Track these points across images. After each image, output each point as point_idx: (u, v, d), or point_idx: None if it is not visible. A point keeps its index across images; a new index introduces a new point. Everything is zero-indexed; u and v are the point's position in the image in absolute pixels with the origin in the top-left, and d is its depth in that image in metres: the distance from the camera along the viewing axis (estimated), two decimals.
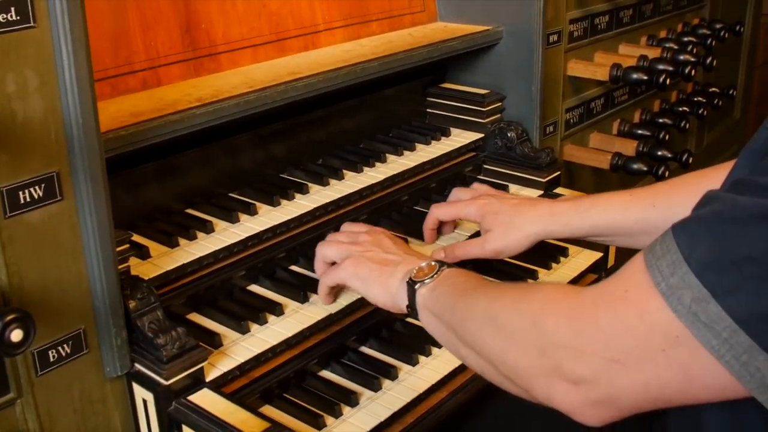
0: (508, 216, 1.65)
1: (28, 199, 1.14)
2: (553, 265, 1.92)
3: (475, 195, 1.79)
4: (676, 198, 1.49)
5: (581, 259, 1.95)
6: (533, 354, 1.05)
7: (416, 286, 1.35)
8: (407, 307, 1.39)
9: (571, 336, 1.01)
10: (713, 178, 1.46)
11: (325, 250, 1.59)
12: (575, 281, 1.89)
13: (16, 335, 1.01)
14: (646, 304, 0.94)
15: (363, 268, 1.49)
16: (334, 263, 1.57)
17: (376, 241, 1.56)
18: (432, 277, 1.35)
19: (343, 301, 1.57)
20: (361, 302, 1.58)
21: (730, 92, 2.99)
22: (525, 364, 1.07)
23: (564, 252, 1.95)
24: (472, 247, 1.68)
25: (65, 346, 1.22)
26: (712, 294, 0.88)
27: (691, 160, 2.41)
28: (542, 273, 1.89)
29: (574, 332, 1.00)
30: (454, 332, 1.25)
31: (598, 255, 1.95)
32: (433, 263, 1.38)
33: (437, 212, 1.77)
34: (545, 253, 1.94)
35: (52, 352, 1.21)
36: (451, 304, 1.27)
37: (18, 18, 1.09)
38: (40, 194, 1.15)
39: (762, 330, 0.86)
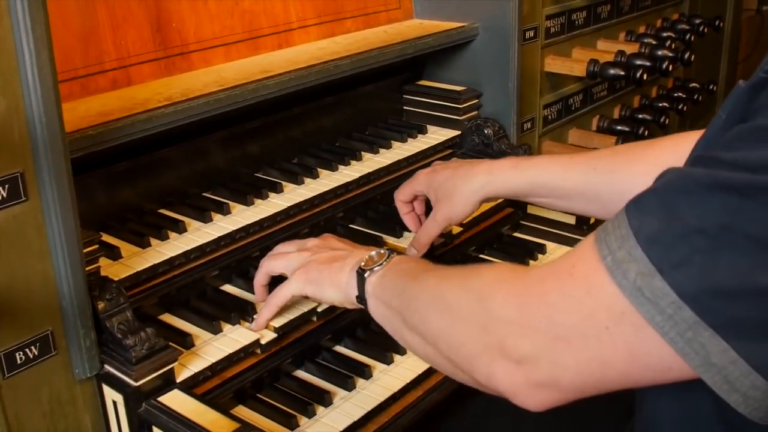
0: (450, 182, 1.65)
1: None
2: (531, 262, 1.91)
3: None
4: (618, 163, 1.49)
5: (558, 255, 1.94)
6: (477, 331, 1.03)
7: (366, 275, 1.32)
8: (357, 297, 1.35)
9: (517, 312, 0.99)
10: (656, 148, 1.47)
11: (272, 264, 1.51)
12: None
13: None
14: (591, 279, 0.92)
15: (313, 271, 1.43)
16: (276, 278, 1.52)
17: (322, 242, 1.52)
18: (381, 264, 1.32)
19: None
20: None
21: (711, 87, 2.99)
22: (468, 342, 1.05)
23: (542, 249, 1.94)
24: (428, 226, 1.68)
25: (33, 347, 1.21)
26: (657, 269, 0.86)
27: None
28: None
29: (520, 307, 0.99)
30: (400, 316, 1.22)
31: None
32: (382, 251, 1.35)
33: (397, 195, 1.77)
34: (523, 249, 1.94)
35: (20, 354, 1.20)
36: (400, 287, 1.25)
37: None
38: (4, 195, 1.14)
39: (708, 306, 0.84)
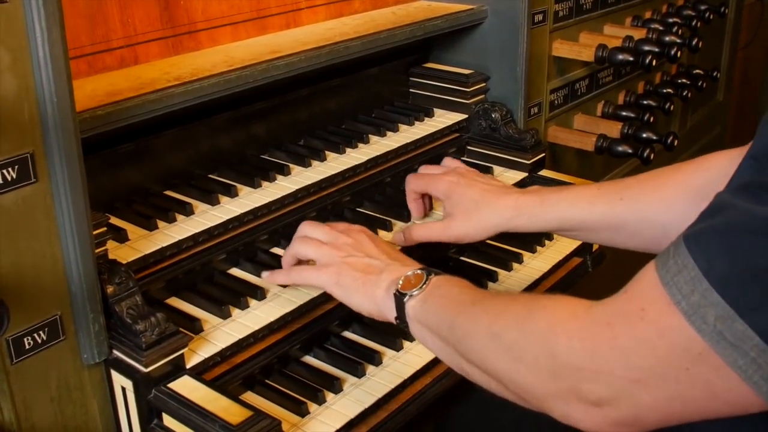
0: (473, 203, 1.60)
1: (0, 181, 1.10)
2: (538, 248, 1.90)
3: (445, 171, 1.74)
4: (645, 191, 1.46)
5: (566, 242, 1.93)
6: (545, 377, 1.02)
7: (405, 299, 1.30)
8: (396, 318, 1.33)
9: (587, 357, 0.97)
10: (683, 172, 1.44)
11: (302, 249, 1.49)
12: (560, 264, 1.88)
13: None
14: (666, 322, 0.91)
15: (345, 277, 1.41)
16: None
17: (357, 244, 1.47)
18: (421, 288, 1.30)
19: None
20: None
21: (714, 74, 2.98)
22: (538, 386, 1.04)
23: (549, 235, 1.93)
24: (433, 230, 1.64)
25: (41, 332, 1.19)
26: (737, 311, 0.85)
27: (676, 142, 2.40)
28: (527, 256, 1.87)
29: (590, 353, 0.97)
30: (454, 348, 1.21)
31: None
32: (419, 271, 1.33)
33: (410, 184, 1.74)
34: (530, 235, 1.92)
35: (28, 339, 1.17)
36: (449, 320, 1.22)
37: None
38: (14, 176, 1.11)
39: None
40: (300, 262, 1.51)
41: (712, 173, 1.36)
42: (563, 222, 1.55)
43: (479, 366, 1.16)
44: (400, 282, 1.33)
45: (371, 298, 1.38)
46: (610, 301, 1.00)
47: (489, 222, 1.59)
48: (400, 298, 1.31)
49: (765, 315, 0.84)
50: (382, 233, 1.70)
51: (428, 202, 1.78)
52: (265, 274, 1.50)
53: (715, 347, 0.87)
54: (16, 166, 1.11)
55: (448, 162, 1.82)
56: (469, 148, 2.10)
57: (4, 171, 1.10)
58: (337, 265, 1.43)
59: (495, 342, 1.11)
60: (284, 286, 1.51)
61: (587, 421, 1.00)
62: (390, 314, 1.35)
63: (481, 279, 1.74)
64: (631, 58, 2.16)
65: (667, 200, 1.42)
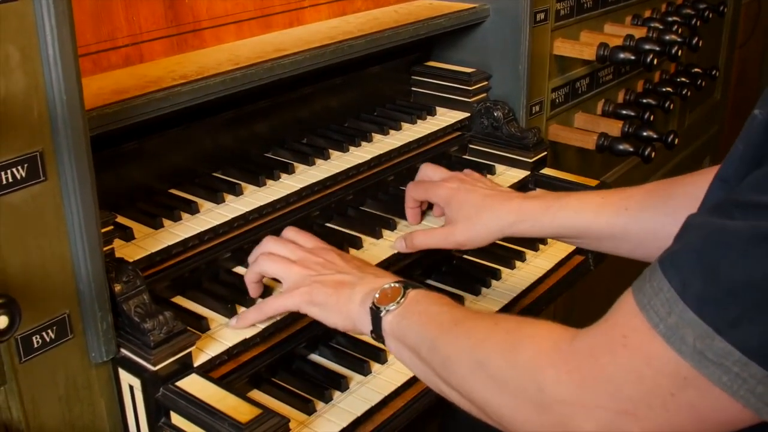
0: (474, 209, 1.59)
1: (10, 180, 1.09)
2: (541, 246, 1.91)
3: (444, 175, 1.73)
4: (650, 202, 1.45)
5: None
6: (530, 409, 1.01)
7: (381, 314, 1.27)
8: (371, 333, 1.30)
9: (574, 391, 0.96)
10: (686, 184, 1.44)
11: (270, 267, 1.43)
12: (562, 263, 1.88)
13: (1, 322, 0.98)
14: (648, 349, 0.90)
15: (318, 295, 1.37)
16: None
17: (327, 263, 1.43)
18: (398, 302, 1.26)
19: None
20: None
21: (713, 73, 2.99)
22: (520, 418, 1.03)
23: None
24: (435, 237, 1.63)
25: (49, 331, 1.19)
26: (715, 330, 0.85)
27: (677, 141, 2.40)
28: (530, 254, 1.87)
29: (577, 386, 0.96)
30: (433, 370, 1.19)
31: None
32: (395, 285, 1.29)
33: (410, 192, 1.72)
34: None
35: (36, 338, 1.17)
36: (429, 340, 1.19)
37: None
38: (23, 174, 1.11)
39: None
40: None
41: None
42: (566, 229, 1.54)
43: (460, 391, 1.14)
44: (376, 295, 1.29)
45: (345, 314, 1.34)
46: (592, 331, 0.99)
47: (491, 227, 1.58)
48: (376, 313, 1.28)
49: (743, 330, 0.83)
50: (385, 232, 1.71)
51: (439, 211, 1.76)
52: (232, 321, 1.40)
53: (697, 367, 0.86)
54: (26, 165, 1.11)
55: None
56: (471, 146, 2.10)
57: (14, 169, 1.10)
58: (308, 285, 1.39)
59: (478, 370, 1.09)
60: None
61: None
62: (365, 328, 1.31)
63: (484, 277, 1.75)
64: (633, 57, 2.16)
65: (672, 212, 1.41)
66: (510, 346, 1.07)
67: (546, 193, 1.65)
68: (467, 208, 1.60)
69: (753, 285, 0.83)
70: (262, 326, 1.41)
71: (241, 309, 1.45)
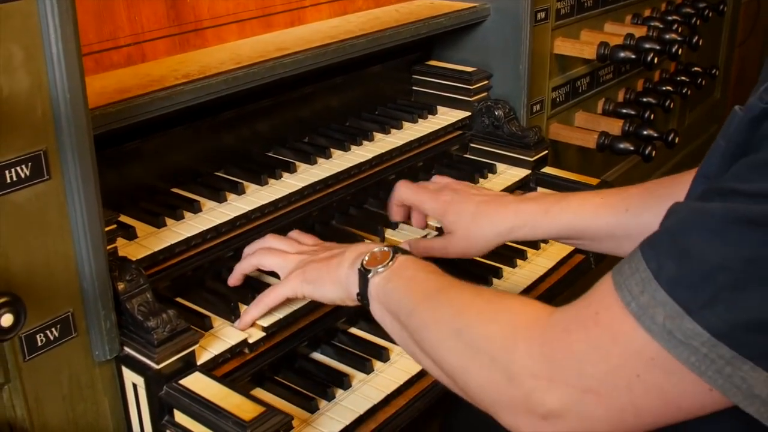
0: (470, 217, 1.56)
1: (14, 179, 1.10)
2: (542, 245, 1.91)
3: (437, 188, 1.68)
4: (650, 201, 1.45)
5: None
6: (500, 380, 1.00)
7: (369, 275, 1.26)
8: (357, 295, 1.30)
9: (544, 365, 0.96)
10: (686, 182, 1.43)
11: (265, 260, 1.46)
12: (563, 261, 1.88)
13: (7, 320, 0.98)
14: (618, 327, 0.90)
15: (310, 272, 1.38)
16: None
17: (319, 247, 1.46)
18: (386, 265, 1.26)
19: None
20: None
21: (713, 72, 2.99)
22: (488, 389, 1.03)
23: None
24: (434, 249, 1.61)
25: (53, 329, 1.19)
26: (685, 310, 0.85)
27: (677, 139, 2.41)
28: (531, 253, 1.87)
29: (547, 360, 0.96)
30: (410, 335, 1.19)
31: None
32: (386, 249, 1.30)
33: (399, 191, 1.67)
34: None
35: (40, 336, 1.17)
36: (409, 306, 1.19)
37: None
38: (27, 173, 1.11)
39: (743, 340, 0.83)
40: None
41: None
42: (566, 231, 1.53)
43: (433, 357, 1.14)
44: (366, 258, 1.29)
45: (336, 280, 1.34)
46: (570, 308, 0.99)
47: (489, 235, 1.55)
48: (364, 274, 1.27)
49: (713, 312, 0.83)
50: (387, 231, 1.71)
51: (421, 221, 1.73)
52: (238, 324, 1.41)
53: (666, 347, 0.86)
54: (30, 164, 1.11)
55: (437, 178, 1.76)
56: (472, 145, 2.11)
57: (18, 168, 1.10)
58: (302, 266, 1.40)
59: (454, 337, 1.09)
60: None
61: None
62: (353, 289, 1.31)
63: (486, 276, 1.75)
64: (633, 56, 2.17)
65: None
66: (488, 317, 1.08)
67: (542, 195, 1.63)
68: (464, 218, 1.57)
69: (726, 267, 0.83)
70: (266, 323, 1.42)
71: (244, 307, 1.45)
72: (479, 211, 1.56)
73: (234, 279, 1.49)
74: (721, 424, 0.96)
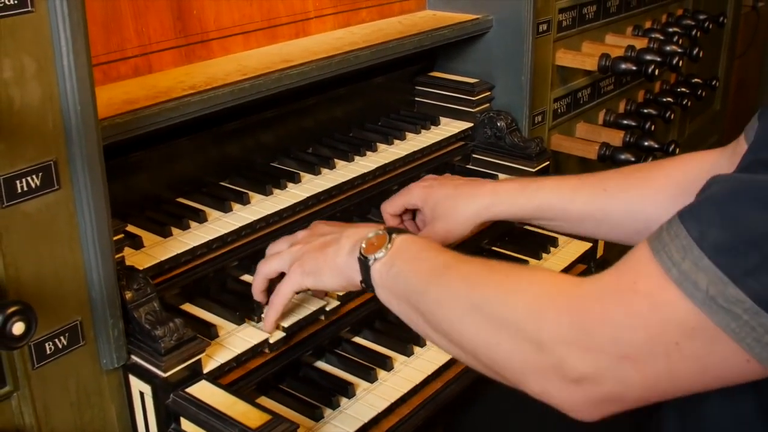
0: (450, 199, 1.57)
1: (25, 189, 1.11)
2: (543, 255, 1.92)
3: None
4: (629, 184, 1.45)
5: (571, 249, 1.96)
6: (527, 349, 1.00)
7: (369, 263, 1.26)
8: (361, 282, 1.29)
9: (576, 332, 0.95)
10: (667, 167, 1.44)
11: (267, 267, 1.46)
12: (565, 271, 1.90)
13: (18, 328, 0.99)
14: (658, 295, 0.90)
15: (309, 263, 1.38)
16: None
17: (312, 231, 1.46)
18: (385, 248, 1.25)
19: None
20: (353, 294, 1.56)
21: (713, 83, 3.01)
22: (517, 359, 1.02)
23: (554, 242, 1.95)
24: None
25: (62, 338, 1.20)
26: (729, 276, 0.85)
27: (678, 150, 2.42)
28: (532, 263, 1.89)
29: (579, 328, 0.95)
30: (422, 316, 1.18)
31: (588, 245, 1.96)
32: (380, 232, 1.28)
33: (386, 208, 1.68)
34: (535, 242, 1.95)
35: (49, 345, 1.19)
36: (419, 287, 1.18)
37: (15, 2, 1.06)
38: (37, 183, 1.13)
39: None
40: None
41: (693, 171, 1.36)
42: (544, 210, 1.52)
43: (450, 336, 1.13)
44: (363, 245, 1.28)
45: (336, 270, 1.34)
46: (601, 277, 0.99)
47: (468, 212, 1.55)
48: (364, 262, 1.27)
49: (759, 280, 0.84)
50: None
51: (411, 225, 1.72)
52: (263, 326, 1.44)
53: (708, 313, 0.86)
54: (40, 174, 1.13)
55: (426, 177, 1.75)
56: (474, 156, 2.12)
57: (29, 178, 1.12)
58: (299, 258, 1.40)
59: (473, 312, 1.08)
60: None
61: (567, 400, 0.98)
62: (356, 276, 1.30)
63: None
64: (634, 68, 2.19)
65: (652, 193, 1.41)
66: (509, 287, 1.07)
67: (521, 177, 1.64)
68: (444, 203, 1.58)
69: None
70: (286, 324, 1.44)
71: (249, 319, 1.46)
72: (458, 193, 1.58)
73: (258, 297, 1.48)
74: (745, 404, 0.98)
